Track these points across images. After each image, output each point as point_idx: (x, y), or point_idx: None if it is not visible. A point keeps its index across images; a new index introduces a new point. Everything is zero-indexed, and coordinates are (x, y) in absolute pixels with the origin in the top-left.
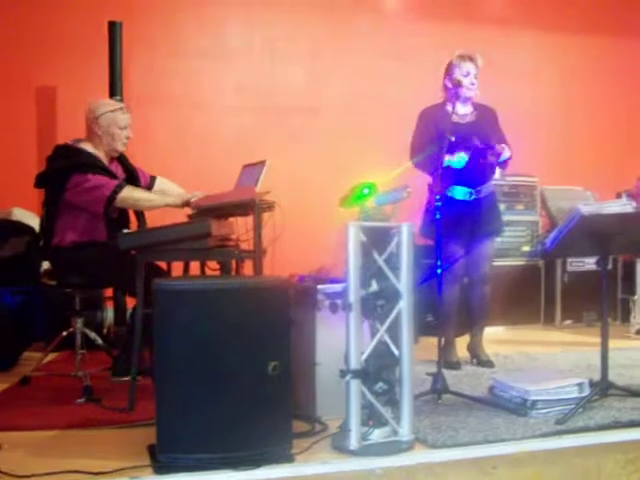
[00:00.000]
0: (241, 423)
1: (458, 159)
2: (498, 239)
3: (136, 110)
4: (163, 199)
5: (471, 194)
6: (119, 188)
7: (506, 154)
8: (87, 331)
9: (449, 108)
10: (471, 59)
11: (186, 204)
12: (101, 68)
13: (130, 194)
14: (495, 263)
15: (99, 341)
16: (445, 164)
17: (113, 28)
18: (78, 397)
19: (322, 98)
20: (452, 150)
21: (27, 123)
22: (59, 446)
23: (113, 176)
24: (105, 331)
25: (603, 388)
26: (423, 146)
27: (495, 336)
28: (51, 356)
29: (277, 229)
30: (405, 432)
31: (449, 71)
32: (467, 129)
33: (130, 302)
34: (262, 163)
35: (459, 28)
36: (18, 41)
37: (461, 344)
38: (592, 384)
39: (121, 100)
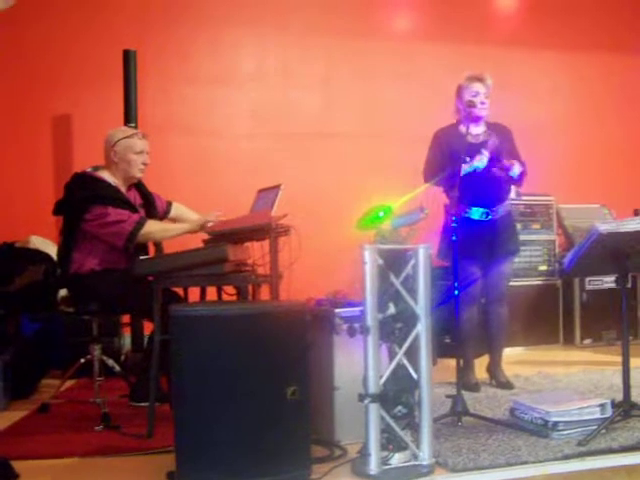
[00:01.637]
0: (260, 448)
1: (479, 161)
2: (515, 259)
3: (151, 137)
4: (181, 227)
5: (487, 214)
6: (140, 225)
7: (516, 170)
8: (105, 358)
9: (462, 129)
10: (479, 79)
11: (202, 228)
12: (116, 96)
13: (150, 229)
14: (512, 283)
15: (117, 368)
16: (467, 171)
17: (128, 56)
18: (96, 424)
19: (336, 122)
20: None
21: (43, 151)
22: (78, 474)
23: (132, 207)
24: (122, 358)
25: (626, 409)
26: (437, 167)
27: (514, 357)
28: (69, 383)
29: (293, 253)
30: (425, 456)
31: (459, 93)
32: (481, 148)
33: (147, 328)
34: (277, 187)
35: (473, 50)
36: (34, 71)
37: (480, 366)
38: (615, 405)
39: (135, 127)
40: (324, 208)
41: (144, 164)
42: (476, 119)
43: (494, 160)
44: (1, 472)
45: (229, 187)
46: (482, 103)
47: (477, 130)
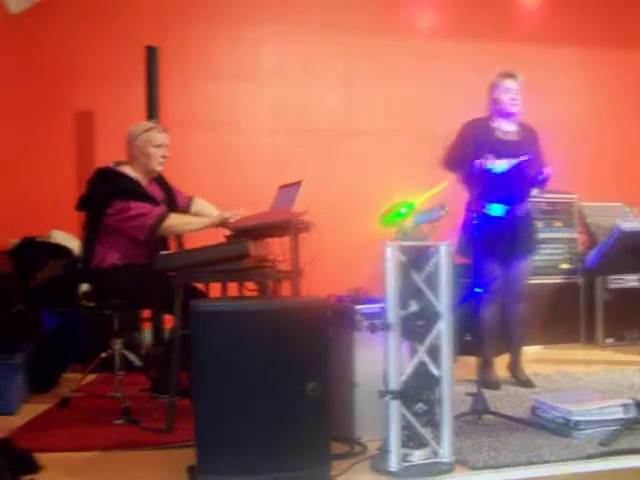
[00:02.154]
0: (280, 444)
1: (498, 165)
2: (536, 257)
3: (172, 133)
4: (202, 221)
5: (508, 212)
6: (162, 218)
7: (546, 172)
8: (126, 352)
9: (493, 124)
10: (511, 76)
11: (224, 223)
12: (138, 92)
13: (172, 222)
14: (533, 281)
15: (138, 362)
16: (485, 167)
17: (150, 53)
18: (117, 418)
19: (357, 119)
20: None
21: (66, 147)
22: (98, 467)
23: (154, 201)
24: (143, 352)
25: None
26: (459, 155)
27: (534, 355)
28: (90, 377)
29: (314, 249)
30: (446, 453)
31: (491, 89)
32: (509, 146)
33: (168, 323)
34: (298, 184)
35: (493, 48)
36: (56, 67)
37: (500, 364)
38: (638, 404)
39: (157, 122)
40: (345, 205)
41: (164, 157)
42: (507, 115)
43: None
44: (24, 464)
45: (250, 183)
46: (513, 99)
47: (508, 127)
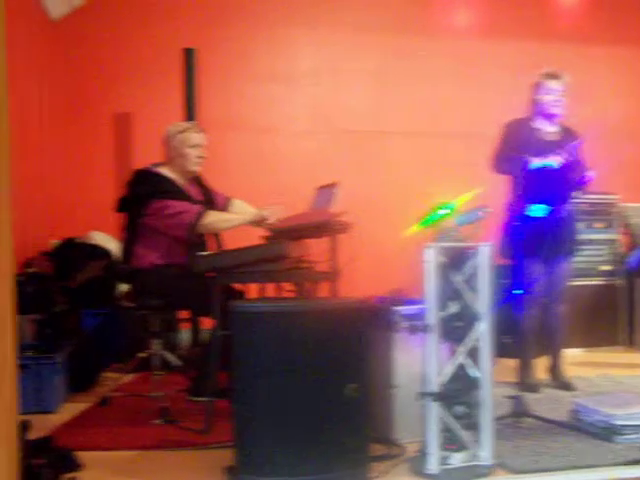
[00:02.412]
0: (319, 446)
1: (553, 160)
2: (576, 258)
3: (210, 134)
4: (241, 218)
5: (550, 212)
6: (201, 215)
7: (590, 174)
8: (164, 353)
9: (535, 124)
10: (555, 77)
11: (262, 220)
12: (176, 94)
13: (211, 219)
14: (573, 283)
15: (176, 363)
16: (538, 165)
17: (188, 55)
18: (155, 418)
19: (392, 120)
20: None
21: (105, 149)
22: (137, 467)
23: (191, 200)
24: (181, 353)
25: None
26: (506, 157)
27: (575, 358)
28: (129, 377)
29: (352, 250)
30: (486, 456)
31: (533, 89)
32: (551, 147)
33: (205, 324)
34: (335, 185)
35: (531, 47)
36: (95, 69)
37: (540, 366)
38: None
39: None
40: (383, 205)
41: (200, 158)
42: (549, 117)
43: (573, 168)
44: (65, 463)
45: (287, 184)
46: (556, 101)
47: (550, 128)
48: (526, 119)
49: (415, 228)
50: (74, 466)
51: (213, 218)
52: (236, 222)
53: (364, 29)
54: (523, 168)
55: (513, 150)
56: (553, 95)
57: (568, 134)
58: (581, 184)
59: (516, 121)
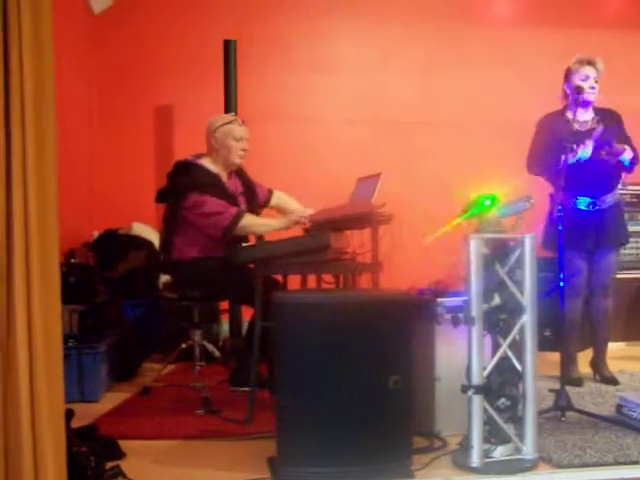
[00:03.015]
0: (361, 437)
1: (582, 151)
2: (622, 251)
3: (251, 125)
4: (277, 223)
5: (594, 205)
6: (238, 218)
7: (627, 155)
8: (205, 343)
9: (569, 115)
10: (590, 63)
11: (297, 224)
12: (216, 86)
13: (247, 222)
14: (617, 276)
15: (217, 353)
16: (572, 161)
17: (228, 46)
18: (196, 408)
19: (436, 110)
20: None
21: (146, 141)
22: (180, 456)
23: (231, 197)
24: (220, 343)
25: None
26: (541, 156)
27: (618, 352)
28: (170, 367)
29: (394, 242)
30: (529, 450)
31: (568, 76)
32: (588, 136)
33: (245, 315)
34: (377, 176)
35: (575, 34)
36: (137, 62)
37: (583, 360)
38: None
39: (235, 115)
40: (425, 196)
41: (243, 150)
42: (584, 104)
43: (603, 145)
44: (109, 451)
45: (329, 175)
46: (592, 88)
47: (585, 116)
48: (558, 112)
49: (458, 220)
50: (117, 454)
51: (249, 222)
52: (272, 227)
53: (407, 17)
54: (557, 170)
55: (548, 149)
56: (588, 82)
57: (604, 116)
58: (627, 166)
59: (548, 116)
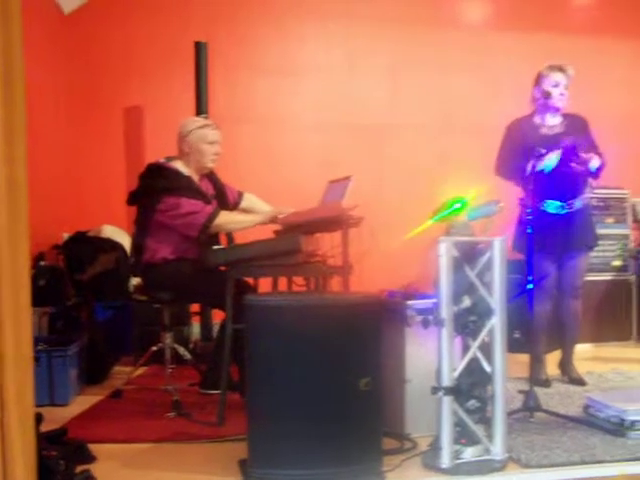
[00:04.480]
0: (332, 439)
1: (547, 161)
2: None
3: (221, 127)
4: (253, 219)
5: (563, 207)
6: (213, 216)
7: (594, 163)
8: (176, 346)
9: (537, 120)
10: (561, 69)
11: (273, 220)
12: (187, 88)
13: (223, 220)
14: (585, 278)
15: (188, 356)
16: (537, 169)
17: (199, 48)
18: (168, 411)
19: (404, 113)
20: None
21: (116, 143)
22: (150, 459)
23: (205, 198)
24: (191, 346)
25: None
26: (509, 159)
27: (586, 353)
28: (141, 370)
29: (364, 245)
30: (498, 451)
31: (538, 81)
32: (556, 140)
33: (216, 317)
34: (347, 179)
35: (545, 41)
36: (107, 63)
37: (552, 361)
38: None
39: (206, 118)
40: (394, 199)
41: (216, 154)
42: (553, 110)
43: (571, 155)
44: (78, 455)
45: (299, 178)
46: (561, 94)
47: (553, 121)
48: (527, 117)
49: (428, 222)
50: (87, 458)
51: (225, 219)
52: (247, 224)
53: (376, 21)
54: (522, 176)
55: (517, 153)
56: (558, 88)
57: (572, 121)
58: (593, 172)
59: (517, 121)
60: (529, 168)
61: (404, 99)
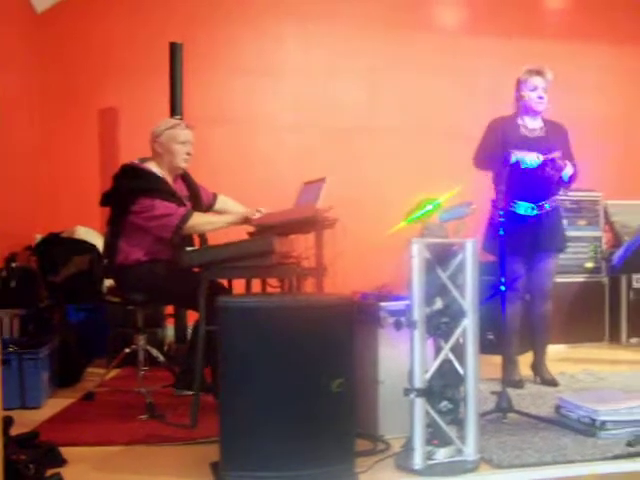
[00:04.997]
0: (305, 441)
1: (530, 160)
2: (561, 255)
3: (197, 129)
4: (226, 219)
5: (533, 209)
6: (186, 218)
7: (568, 171)
8: (149, 348)
9: (519, 121)
10: (539, 73)
11: (246, 221)
12: (162, 89)
13: (197, 221)
14: (557, 280)
15: (161, 358)
16: (515, 159)
17: (174, 49)
18: (141, 413)
19: (381, 116)
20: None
21: (90, 144)
22: (122, 462)
23: (178, 199)
24: (165, 348)
25: None
26: (488, 149)
27: (559, 354)
28: (114, 372)
29: (338, 246)
30: (470, 451)
31: (518, 86)
32: (535, 143)
33: (190, 319)
34: (322, 180)
35: (521, 45)
36: (81, 64)
37: (524, 363)
38: None
39: (181, 119)
40: (369, 201)
41: (188, 154)
42: (532, 113)
43: (547, 162)
44: (49, 458)
45: (274, 179)
46: (540, 97)
47: (533, 124)
48: (511, 116)
49: (401, 224)
50: (58, 462)
51: (198, 220)
52: (221, 224)
53: (355, 23)
54: (504, 164)
55: (497, 146)
56: (537, 92)
57: (553, 128)
58: (566, 183)
59: (500, 118)
60: (508, 157)
61: (382, 101)
